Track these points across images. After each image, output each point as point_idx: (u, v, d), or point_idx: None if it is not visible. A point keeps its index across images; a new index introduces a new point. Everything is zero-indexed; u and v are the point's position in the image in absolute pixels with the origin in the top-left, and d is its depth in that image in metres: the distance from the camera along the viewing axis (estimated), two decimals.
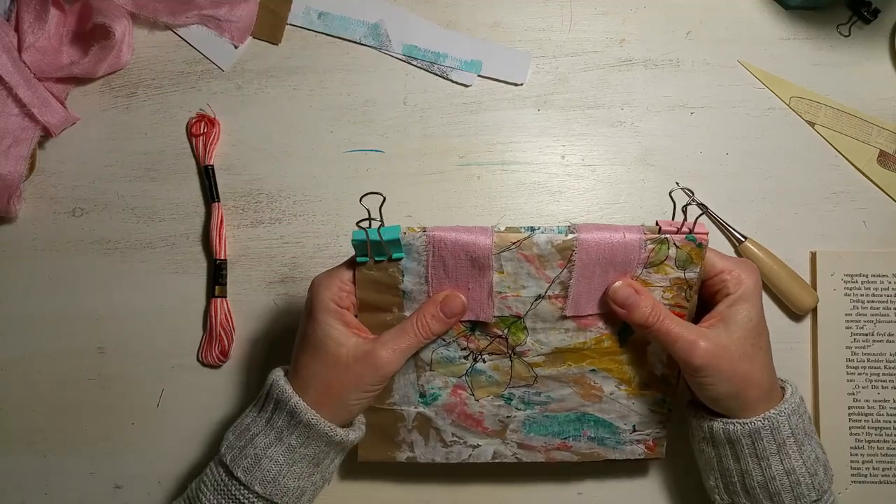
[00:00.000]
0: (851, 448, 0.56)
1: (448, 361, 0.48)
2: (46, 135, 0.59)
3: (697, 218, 0.45)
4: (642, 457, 0.51)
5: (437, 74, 0.60)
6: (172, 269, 0.59)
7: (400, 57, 0.60)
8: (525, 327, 0.47)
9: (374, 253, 0.45)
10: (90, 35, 0.59)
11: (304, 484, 0.45)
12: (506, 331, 0.47)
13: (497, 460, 0.51)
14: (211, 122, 0.59)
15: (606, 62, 0.60)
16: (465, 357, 0.48)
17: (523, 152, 0.60)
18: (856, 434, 0.56)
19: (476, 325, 0.47)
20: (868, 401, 0.56)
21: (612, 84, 0.60)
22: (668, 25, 0.61)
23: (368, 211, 0.43)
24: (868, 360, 0.57)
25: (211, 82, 0.60)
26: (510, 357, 0.48)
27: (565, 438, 0.50)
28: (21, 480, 0.57)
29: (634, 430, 0.50)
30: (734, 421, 0.44)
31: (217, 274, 0.58)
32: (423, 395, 0.49)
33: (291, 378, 0.46)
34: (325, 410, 0.44)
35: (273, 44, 0.61)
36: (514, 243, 0.45)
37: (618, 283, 0.45)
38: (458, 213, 0.59)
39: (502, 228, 0.45)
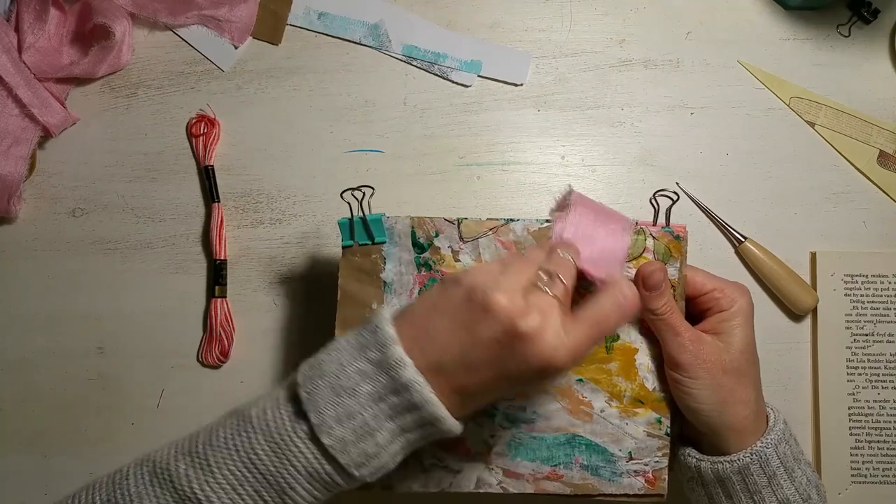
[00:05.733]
0: (851, 448, 0.56)
1: None
2: (46, 135, 0.59)
3: (670, 206, 0.45)
4: (642, 492, 0.46)
5: (437, 75, 0.60)
6: (172, 269, 0.59)
7: (400, 57, 0.60)
8: None
9: (359, 236, 0.47)
10: (90, 35, 0.59)
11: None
12: None
13: (481, 490, 0.46)
14: (211, 123, 0.59)
15: (606, 62, 0.60)
16: None
17: (523, 152, 0.60)
18: (856, 434, 0.56)
19: None
20: (868, 401, 0.56)
21: (612, 84, 0.60)
22: (668, 26, 0.61)
23: (353, 193, 0.45)
24: (868, 360, 0.57)
25: (211, 82, 0.60)
26: None
27: (555, 465, 0.46)
28: (21, 480, 0.57)
29: (631, 458, 0.46)
30: (722, 459, 0.43)
31: (217, 274, 0.58)
32: None
33: (439, 392, 0.37)
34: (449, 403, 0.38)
35: (273, 44, 0.61)
36: (490, 229, 0.46)
37: (657, 265, 0.44)
38: (459, 213, 0.59)
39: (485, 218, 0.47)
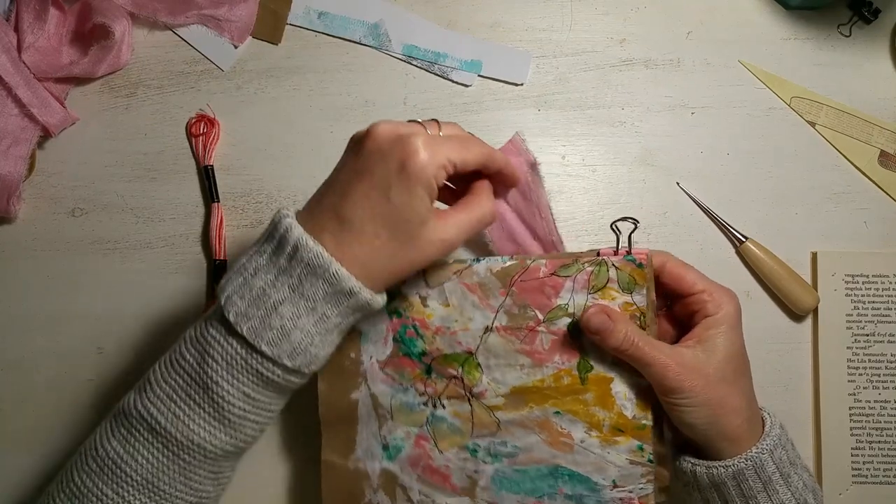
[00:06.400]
0: (852, 449, 0.56)
1: (408, 409, 0.47)
2: (46, 135, 0.59)
3: (631, 232, 0.45)
4: None
5: (437, 74, 0.60)
6: (172, 269, 0.59)
7: (400, 57, 0.60)
8: (479, 364, 0.46)
9: None
10: (90, 35, 0.59)
11: (331, 351, 0.41)
12: (460, 370, 0.47)
13: None
14: (211, 123, 0.59)
15: (607, 62, 0.60)
16: (425, 403, 0.47)
17: None
18: (857, 435, 0.56)
19: (431, 367, 0.47)
20: (869, 401, 0.56)
21: (612, 84, 0.60)
22: (669, 25, 0.61)
23: None
24: (869, 360, 0.57)
25: (211, 82, 0.60)
26: (469, 400, 0.47)
27: (540, 497, 0.46)
28: (21, 480, 0.57)
29: (615, 486, 0.45)
30: (717, 464, 0.43)
31: (217, 274, 0.58)
32: (386, 448, 0.48)
33: (319, 230, 0.39)
34: (356, 270, 0.39)
35: (273, 44, 0.61)
36: (455, 273, 0.46)
37: (592, 311, 0.43)
38: None
39: (451, 261, 0.47)
